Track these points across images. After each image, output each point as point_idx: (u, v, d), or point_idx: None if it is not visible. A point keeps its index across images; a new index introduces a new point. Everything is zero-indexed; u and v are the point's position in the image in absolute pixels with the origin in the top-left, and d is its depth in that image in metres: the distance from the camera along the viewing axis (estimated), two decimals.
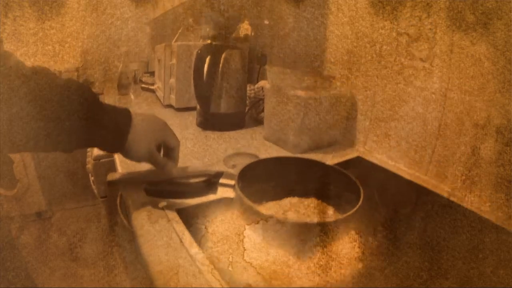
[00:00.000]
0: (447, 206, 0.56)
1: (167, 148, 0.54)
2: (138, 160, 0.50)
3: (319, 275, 0.40)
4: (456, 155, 0.58)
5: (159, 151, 0.53)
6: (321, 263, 0.38)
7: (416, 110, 0.63)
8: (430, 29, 0.59)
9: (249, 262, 0.38)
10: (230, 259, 0.39)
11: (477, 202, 0.55)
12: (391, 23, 0.65)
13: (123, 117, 0.48)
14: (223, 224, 0.46)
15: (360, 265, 0.41)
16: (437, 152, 0.61)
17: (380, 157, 0.72)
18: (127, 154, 0.49)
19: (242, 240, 0.41)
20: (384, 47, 0.67)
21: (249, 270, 0.38)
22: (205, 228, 0.46)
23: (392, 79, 0.67)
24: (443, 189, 0.60)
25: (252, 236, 0.43)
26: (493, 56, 0.51)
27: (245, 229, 0.46)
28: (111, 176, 0.55)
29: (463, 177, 0.57)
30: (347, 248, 0.40)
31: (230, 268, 0.38)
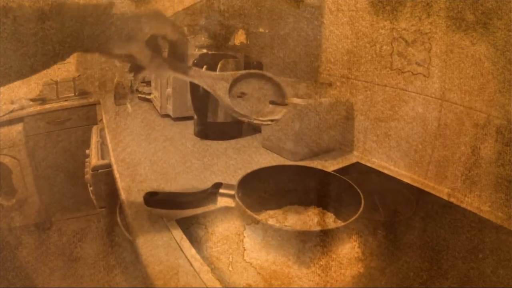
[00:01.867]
0: (447, 207, 0.57)
1: (170, 45, 0.45)
2: (121, 58, 0.42)
3: (319, 275, 0.40)
4: (456, 155, 0.58)
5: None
6: (322, 266, 0.38)
7: (416, 110, 0.63)
8: (430, 29, 0.59)
9: (249, 262, 0.38)
10: (230, 259, 0.39)
11: (477, 202, 0.55)
12: (391, 23, 0.65)
13: (103, 9, 0.39)
14: (223, 224, 0.46)
15: (360, 266, 0.41)
16: (437, 152, 0.61)
17: (378, 162, 0.73)
18: (109, 52, 0.41)
19: (242, 240, 0.41)
20: (384, 47, 0.67)
21: (249, 270, 0.38)
22: (205, 228, 0.46)
23: (392, 79, 0.67)
24: (442, 191, 0.60)
25: (252, 236, 0.43)
26: (493, 56, 0.51)
27: (245, 229, 0.46)
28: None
29: (463, 177, 0.57)
30: (349, 254, 0.40)
31: (230, 268, 0.38)
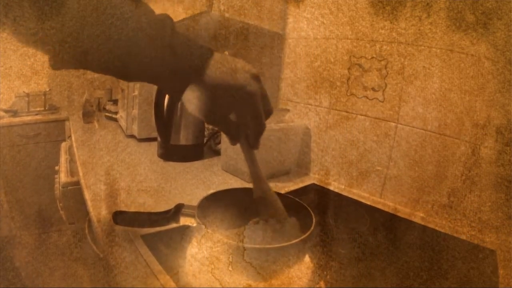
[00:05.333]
0: (396, 222, 0.60)
1: (242, 123, 0.41)
2: (206, 118, 0.39)
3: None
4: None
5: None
6: (279, 279, 0.39)
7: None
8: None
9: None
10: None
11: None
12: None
13: (200, 50, 0.37)
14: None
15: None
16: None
17: (333, 183, 0.77)
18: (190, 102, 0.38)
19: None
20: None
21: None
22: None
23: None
24: (389, 206, 0.64)
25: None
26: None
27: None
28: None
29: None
30: (303, 269, 0.40)
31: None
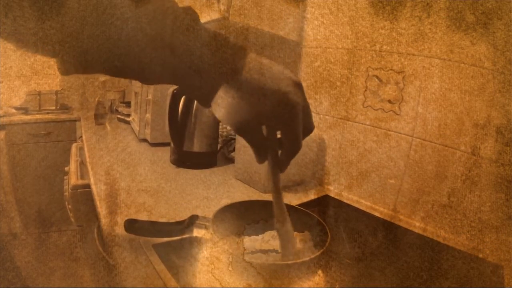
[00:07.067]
0: (413, 238, 0.58)
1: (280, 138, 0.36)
2: (231, 124, 0.34)
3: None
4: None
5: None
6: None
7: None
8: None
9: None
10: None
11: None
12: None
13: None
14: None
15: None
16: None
17: (346, 195, 0.76)
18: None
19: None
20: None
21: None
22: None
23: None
24: (411, 223, 0.63)
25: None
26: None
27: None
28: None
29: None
30: (303, 270, 0.40)
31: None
